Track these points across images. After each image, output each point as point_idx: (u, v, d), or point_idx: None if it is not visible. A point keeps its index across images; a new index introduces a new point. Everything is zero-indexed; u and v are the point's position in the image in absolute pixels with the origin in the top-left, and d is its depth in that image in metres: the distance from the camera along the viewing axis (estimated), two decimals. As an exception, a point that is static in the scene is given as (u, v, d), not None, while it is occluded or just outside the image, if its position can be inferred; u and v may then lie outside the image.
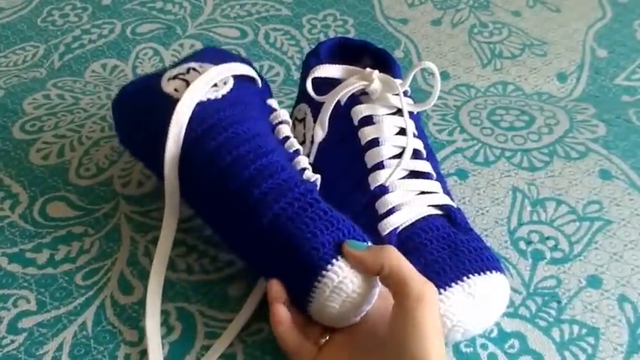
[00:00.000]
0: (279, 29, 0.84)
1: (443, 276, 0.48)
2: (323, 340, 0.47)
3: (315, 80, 0.55)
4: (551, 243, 0.58)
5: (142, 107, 0.55)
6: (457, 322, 0.47)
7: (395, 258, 0.43)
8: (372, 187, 0.53)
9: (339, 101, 0.55)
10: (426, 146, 0.57)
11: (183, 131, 0.51)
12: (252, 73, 0.57)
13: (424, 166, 0.55)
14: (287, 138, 0.54)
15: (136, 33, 0.83)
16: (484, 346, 0.51)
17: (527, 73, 0.77)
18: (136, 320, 0.52)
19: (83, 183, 0.63)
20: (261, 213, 0.47)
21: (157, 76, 0.56)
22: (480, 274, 0.48)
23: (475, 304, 0.47)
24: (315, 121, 0.56)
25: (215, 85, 0.54)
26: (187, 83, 0.53)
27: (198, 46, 0.81)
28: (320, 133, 0.56)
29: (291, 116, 0.62)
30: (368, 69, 0.54)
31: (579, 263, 0.57)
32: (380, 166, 0.53)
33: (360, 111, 0.55)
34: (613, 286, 0.55)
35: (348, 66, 0.55)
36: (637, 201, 0.62)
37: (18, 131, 0.69)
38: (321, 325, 0.47)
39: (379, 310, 0.45)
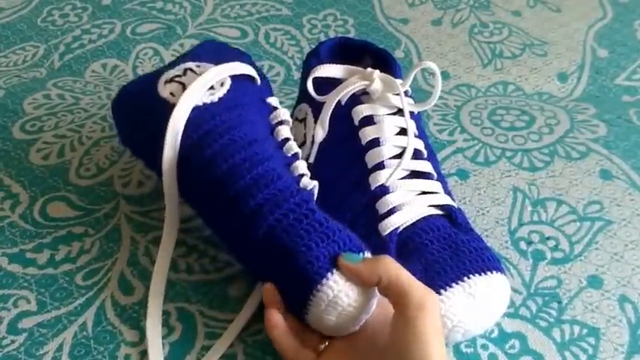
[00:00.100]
0: (280, 29, 0.84)
1: (443, 276, 0.48)
2: (322, 346, 0.47)
3: (315, 80, 0.55)
4: (551, 243, 0.58)
5: (140, 111, 0.55)
6: (458, 323, 0.47)
7: (392, 269, 0.43)
8: (373, 187, 0.53)
9: (339, 101, 0.55)
10: (427, 146, 0.56)
11: (180, 138, 0.51)
12: (251, 72, 0.56)
13: (425, 166, 0.55)
14: (286, 140, 0.53)
15: (136, 33, 0.83)
16: (485, 347, 0.51)
17: (528, 73, 0.77)
18: (137, 320, 0.52)
19: (83, 183, 0.63)
20: (256, 224, 0.47)
21: (155, 76, 0.55)
22: (480, 275, 0.48)
23: (476, 304, 0.47)
24: (315, 121, 0.56)
25: (212, 87, 0.53)
26: (184, 86, 0.52)
27: (199, 46, 0.81)
28: (320, 133, 0.56)
29: (291, 116, 0.61)
30: (368, 69, 0.54)
31: (580, 263, 0.57)
32: (380, 166, 0.53)
33: (361, 111, 0.55)
34: (614, 286, 0.55)
35: (348, 66, 0.55)
36: (638, 201, 0.62)
37: (18, 131, 0.69)
38: (319, 332, 0.47)
39: (379, 317, 0.45)
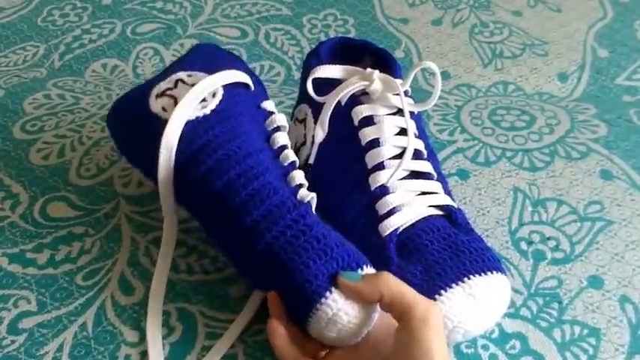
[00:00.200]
0: (280, 29, 0.84)
1: (444, 277, 0.48)
2: (323, 353, 0.47)
3: (315, 80, 0.55)
4: (552, 243, 0.58)
5: (133, 126, 0.54)
6: (458, 323, 0.47)
7: (393, 285, 0.43)
8: (373, 188, 0.53)
9: (339, 101, 0.55)
10: (427, 146, 0.56)
11: (174, 154, 0.50)
12: (243, 79, 0.54)
13: (425, 166, 0.54)
14: (282, 149, 0.52)
15: (136, 33, 0.83)
16: (485, 347, 0.51)
17: (528, 73, 0.77)
18: (137, 321, 0.52)
19: (84, 183, 0.63)
20: (254, 241, 0.47)
21: (147, 88, 0.54)
22: (480, 275, 0.48)
23: (476, 304, 0.47)
24: (315, 122, 0.56)
25: (204, 99, 0.52)
26: (175, 100, 0.51)
27: (199, 45, 0.81)
28: (320, 134, 0.56)
29: (291, 117, 0.61)
30: (368, 69, 0.54)
31: (580, 264, 0.57)
32: (380, 166, 0.53)
33: (361, 111, 0.55)
34: (614, 286, 0.55)
35: (348, 66, 0.55)
36: (638, 201, 0.62)
37: (18, 131, 0.69)
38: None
39: (381, 326, 0.45)
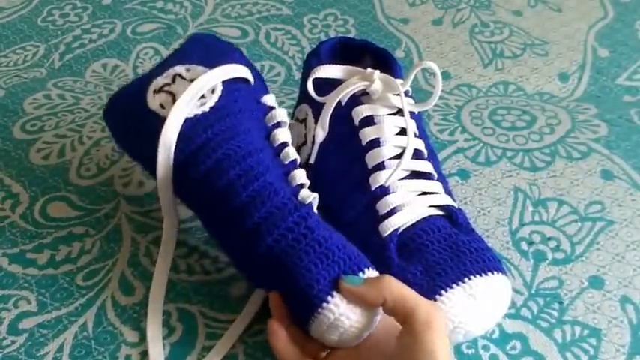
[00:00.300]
0: (280, 29, 0.84)
1: (444, 277, 0.48)
2: (324, 354, 0.47)
3: (315, 80, 0.55)
4: (552, 243, 0.58)
5: (131, 122, 0.53)
6: (458, 324, 0.47)
7: (395, 288, 0.43)
8: (373, 188, 0.52)
9: (339, 101, 0.55)
10: (427, 146, 0.56)
11: (172, 152, 0.49)
12: (243, 73, 0.53)
13: (425, 166, 0.54)
14: (283, 146, 0.51)
15: (136, 33, 0.83)
16: (486, 347, 0.51)
17: (529, 72, 0.77)
18: (137, 321, 0.52)
19: (84, 183, 0.63)
20: (254, 243, 0.47)
21: (144, 82, 0.53)
22: (481, 275, 0.48)
23: (476, 305, 0.47)
24: (316, 122, 0.56)
25: (202, 95, 0.51)
26: (173, 97, 0.50)
27: (199, 45, 0.81)
28: (321, 134, 0.56)
29: (292, 117, 0.61)
30: (369, 69, 0.54)
31: (581, 264, 0.57)
32: (381, 166, 0.53)
33: (361, 111, 0.55)
34: (615, 286, 0.55)
35: (348, 66, 0.55)
36: (639, 201, 0.62)
37: (18, 131, 0.69)
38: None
39: (383, 327, 0.45)
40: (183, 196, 0.52)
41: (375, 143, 0.54)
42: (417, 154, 0.54)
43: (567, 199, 0.62)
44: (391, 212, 0.51)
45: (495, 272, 0.49)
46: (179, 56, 0.54)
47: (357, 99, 0.55)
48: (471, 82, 0.76)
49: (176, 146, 0.49)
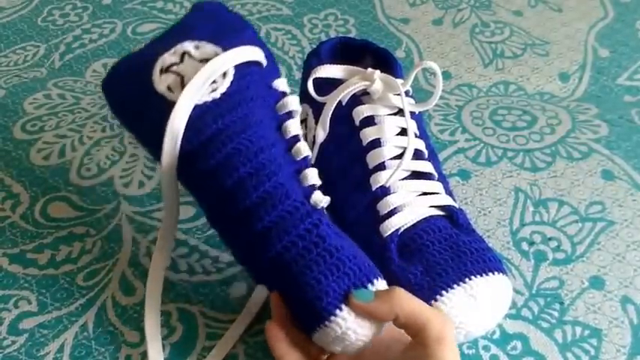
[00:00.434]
0: (281, 29, 0.84)
1: (445, 277, 0.48)
2: (324, 357, 0.46)
3: (316, 80, 0.55)
4: (553, 244, 0.58)
5: (135, 100, 0.49)
6: (459, 324, 0.47)
7: (407, 304, 0.42)
8: (374, 188, 0.52)
9: (340, 102, 0.54)
10: (428, 146, 0.56)
11: (179, 141, 0.46)
12: (257, 56, 0.49)
13: (426, 166, 0.54)
14: (294, 140, 0.48)
15: (136, 32, 0.83)
16: (486, 348, 0.51)
17: (529, 72, 0.77)
18: (138, 321, 0.52)
19: (84, 183, 0.63)
20: (263, 248, 0.45)
21: (149, 58, 0.48)
22: (482, 276, 0.48)
23: (477, 305, 0.47)
24: (316, 122, 0.56)
25: (213, 81, 0.47)
26: (182, 79, 0.46)
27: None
28: (321, 134, 0.55)
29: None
30: (369, 69, 0.54)
31: (582, 264, 0.57)
32: (381, 166, 0.53)
33: (362, 111, 0.55)
34: (616, 287, 0.55)
35: (349, 66, 0.55)
36: (639, 202, 0.62)
37: (19, 131, 0.69)
38: None
39: (388, 332, 0.45)
40: (188, 185, 0.49)
41: (376, 143, 0.54)
42: (417, 155, 0.54)
43: (568, 200, 0.62)
44: (392, 212, 0.51)
45: (496, 273, 0.49)
46: (187, 30, 0.49)
47: (358, 99, 0.55)
48: (472, 82, 0.76)
49: (184, 135, 0.46)
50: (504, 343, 0.51)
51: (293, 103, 0.49)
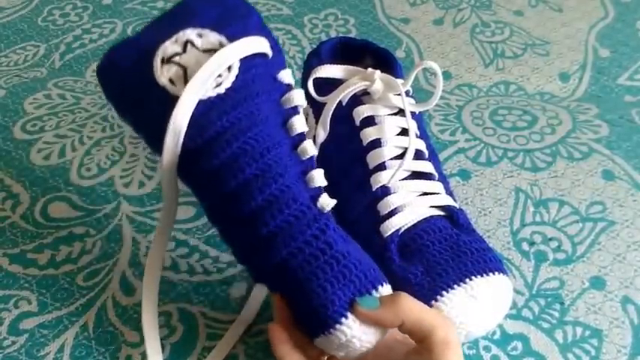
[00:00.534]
0: (281, 29, 0.84)
1: (445, 277, 0.48)
2: (325, 358, 0.46)
3: (316, 80, 0.55)
4: (554, 244, 0.58)
5: (134, 90, 0.46)
6: (459, 324, 0.47)
7: (412, 312, 0.42)
8: (374, 189, 0.52)
9: (340, 102, 0.54)
10: (428, 146, 0.56)
11: (182, 138, 0.44)
12: (264, 48, 0.46)
13: (426, 166, 0.54)
14: (300, 138, 0.47)
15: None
16: (487, 348, 0.51)
17: (530, 72, 0.77)
18: (138, 321, 0.52)
19: (84, 183, 0.63)
20: (268, 253, 0.44)
21: (149, 43, 0.45)
22: (482, 276, 0.48)
23: (478, 305, 0.47)
24: (316, 122, 0.56)
25: (218, 75, 0.44)
26: (185, 72, 0.44)
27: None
28: (321, 134, 0.55)
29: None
30: (369, 69, 0.54)
31: (582, 264, 0.57)
32: (382, 167, 0.53)
33: (362, 111, 0.55)
34: (616, 287, 0.55)
35: (349, 66, 0.55)
36: (640, 202, 0.62)
37: (19, 131, 0.69)
38: None
39: (392, 335, 0.45)
40: (189, 183, 0.48)
41: (376, 143, 0.54)
42: (417, 155, 0.54)
43: (568, 200, 0.62)
44: (392, 213, 0.51)
45: (496, 273, 0.49)
46: (189, 14, 0.46)
47: (358, 99, 0.55)
48: (472, 82, 0.76)
49: (187, 131, 0.44)
50: (505, 343, 0.51)
51: (298, 97, 0.47)
